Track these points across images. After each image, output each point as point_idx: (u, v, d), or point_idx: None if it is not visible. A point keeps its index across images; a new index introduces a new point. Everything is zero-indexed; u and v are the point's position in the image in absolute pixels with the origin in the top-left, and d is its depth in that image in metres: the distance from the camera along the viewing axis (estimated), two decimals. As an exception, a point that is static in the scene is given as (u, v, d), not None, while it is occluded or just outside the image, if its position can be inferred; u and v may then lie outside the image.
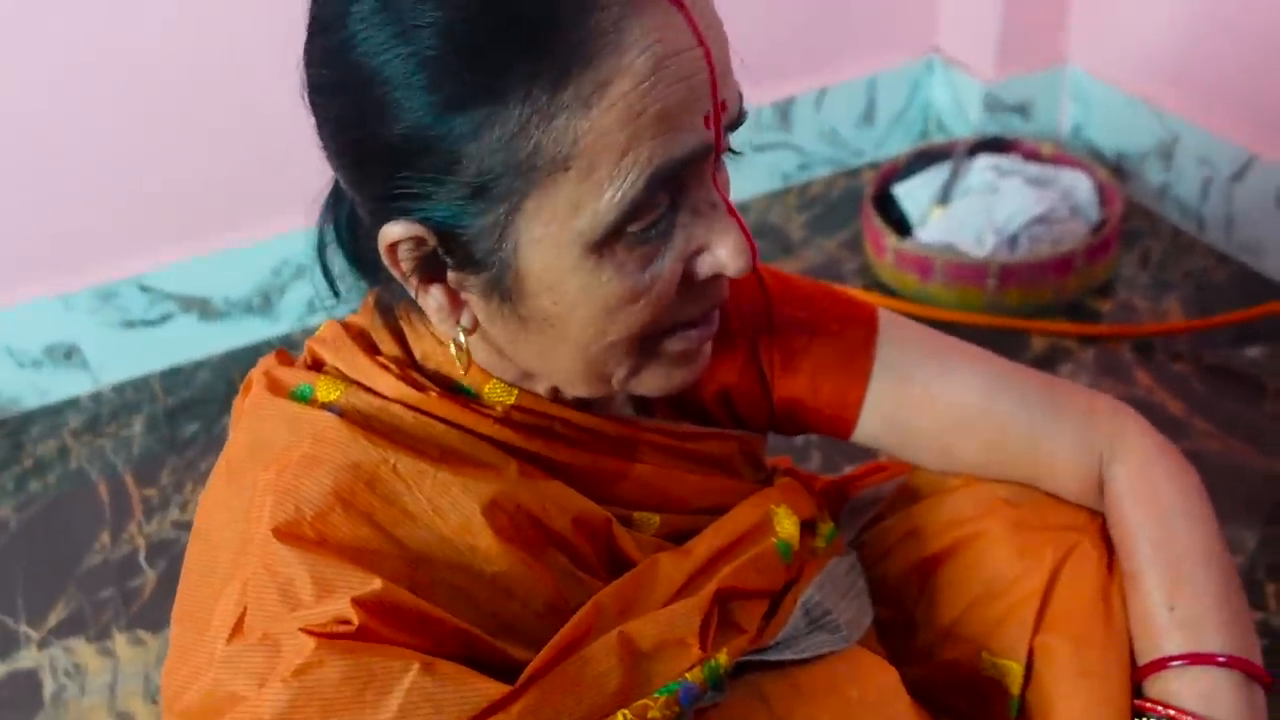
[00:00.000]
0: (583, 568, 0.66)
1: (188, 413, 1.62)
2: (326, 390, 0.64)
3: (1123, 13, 1.79)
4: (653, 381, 0.64)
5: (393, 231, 0.57)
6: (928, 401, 0.78)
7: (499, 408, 0.65)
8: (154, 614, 1.32)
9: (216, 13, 1.51)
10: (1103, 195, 1.71)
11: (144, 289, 1.64)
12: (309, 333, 1.72)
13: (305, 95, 0.60)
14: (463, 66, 0.52)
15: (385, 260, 0.59)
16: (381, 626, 0.56)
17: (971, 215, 1.66)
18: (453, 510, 0.60)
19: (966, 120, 1.94)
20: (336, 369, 0.66)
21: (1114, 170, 1.83)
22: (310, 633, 0.55)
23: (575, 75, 0.51)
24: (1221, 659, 0.70)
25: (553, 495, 0.65)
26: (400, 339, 0.67)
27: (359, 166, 0.58)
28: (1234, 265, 1.67)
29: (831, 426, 0.80)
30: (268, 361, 0.69)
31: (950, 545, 0.79)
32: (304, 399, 0.64)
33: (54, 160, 1.52)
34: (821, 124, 1.95)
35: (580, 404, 0.68)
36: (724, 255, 0.59)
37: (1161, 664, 0.72)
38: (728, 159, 0.61)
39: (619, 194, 0.54)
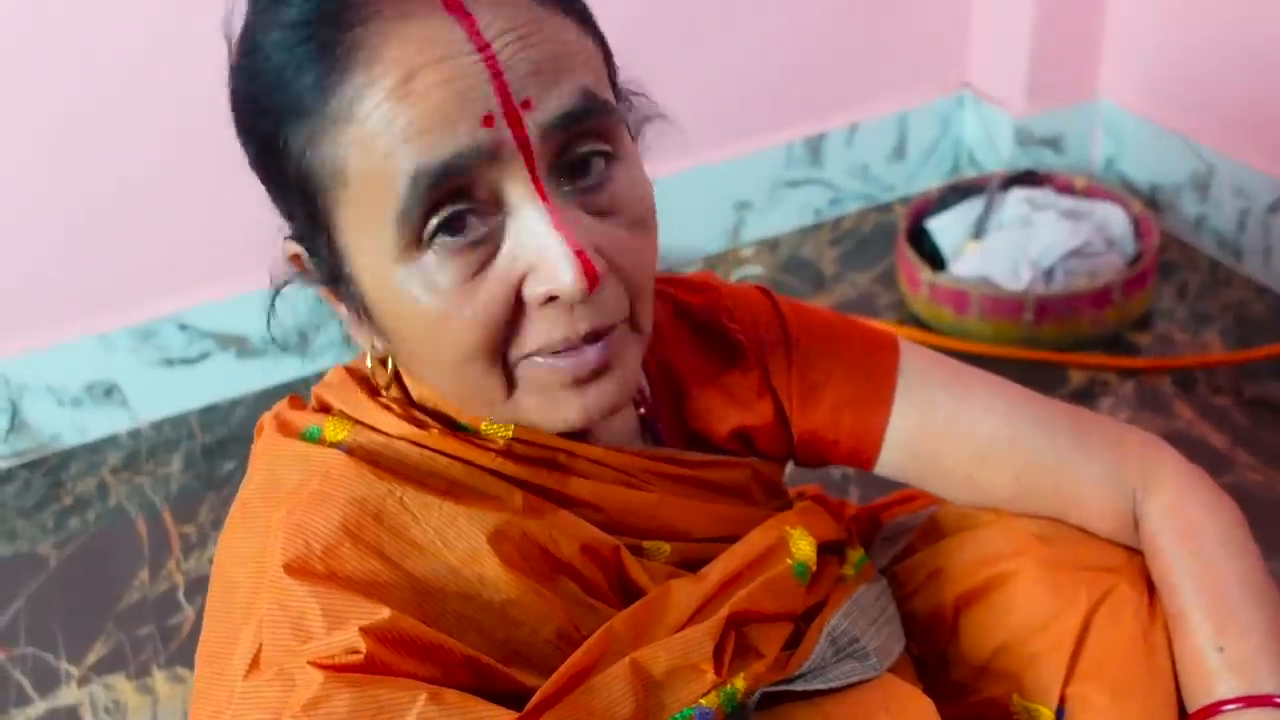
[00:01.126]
0: (594, 595, 0.65)
1: (225, 450, 1.63)
2: (334, 430, 0.65)
3: (1154, 45, 1.79)
4: (542, 412, 0.61)
5: (285, 247, 0.64)
6: (951, 431, 0.77)
7: (499, 440, 0.65)
8: (193, 651, 1.31)
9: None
10: (1138, 228, 1.70)
11: (183, 327, 1.66)
12: (344, 370, 1.73)
13: None
14: (265, 93, 0.57)
15: (295, 271, 0.64)
16: (390, 655, 0.56)
17: (1007, 249, 1.66)
18: (459, 540, 0.61)
19: (998, 154, 1.94)
20: (342, 411, 0.67)
21: (1148, 203, 1.83)
22: (319, 665, 0.55)
23: (335, 92, 0.55)
24: (1279, 700, 0.68)
25: (559, 524, 0.65)
26: (399, 381, 0.68)
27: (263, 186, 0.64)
28: (1273, 296, 1.65)
29: (853, 458, 0.79)
30: (279, 406, 0.70)
31: (982, 584, 0.77)
32: (313, 439, 0.66)
33: (94, 201, 1.55)
34: (853, 160, 1.95)
35: (581, 435, 0.67)
36: (544, 273, 0.55)
37: (1215, 709, 0.70)
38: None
39: (389, 204, 0.55)
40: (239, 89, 0.60)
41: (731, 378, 0.77)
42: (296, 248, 0.63)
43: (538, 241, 0.55)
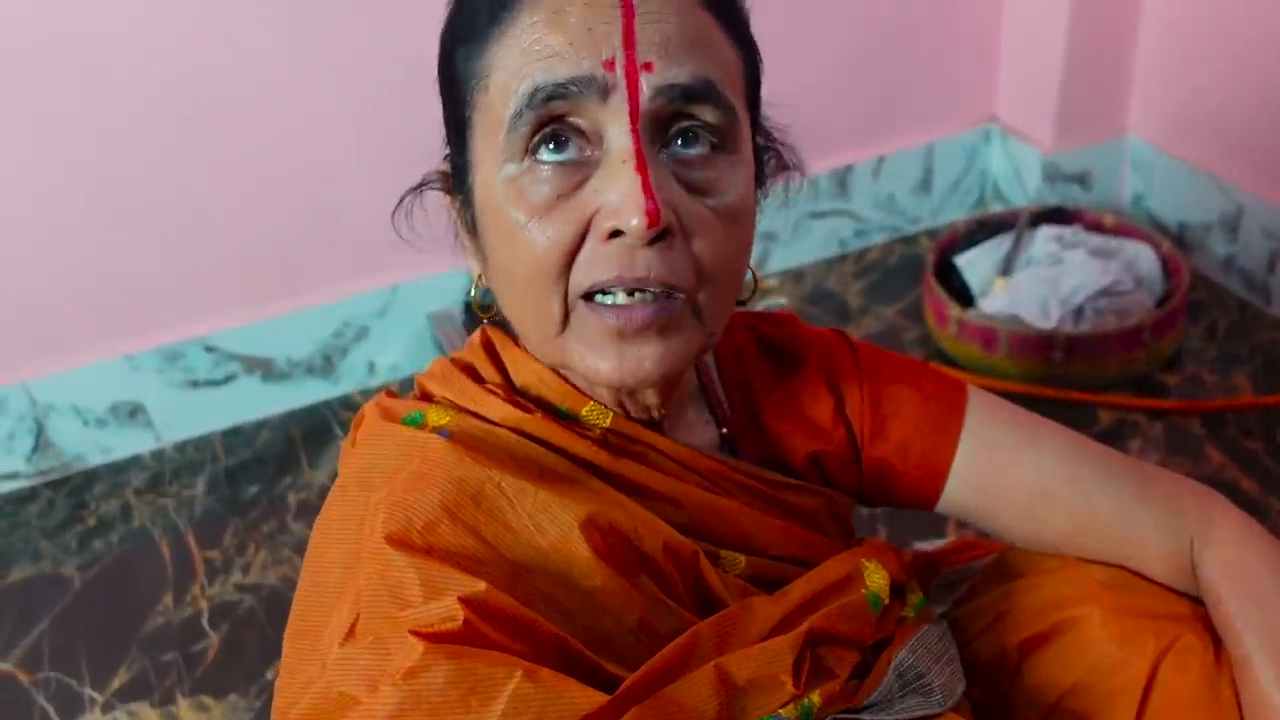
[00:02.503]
0: (671, 597, 0.67)
1: (248, 473, 1.63)
2: (437, 416, 0.69)
3: (1184, 84, 1.78)
4: (584, 358, 0.64)
5: (440, 166, 0.71)
6: (1015, 469, 0.79)
7: (596, 430, 0.70)
8: (217, 679, 1.32)
9: (284, 81, 1.54)
10: (1167, 267, 1.70)
11: (209, 349, 1.66)
12: (368, 394, 1.73)
13: None
14: (454, 24, 0.67)
15: (451, 213, 0.71)
16: (487, 627, 0.58)
17: (1036, 286, 1.65)
18: (552, 526, 0.63)
19: (1024, 189, 1.94)
20: (446, 399, 0.71)
21: (1176, 241, 1.82)
22: (419, 635, 0.57)
23: (500, 17, 0.63)
24: None
25: (643, 519, 0.67)
26: (502, 370, 0.72)
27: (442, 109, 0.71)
28: (1303, 340, 1.65)
29: (919, 490, 0.81)
30: (379, 396, 0.74)
31: (1048, 628, 0.79)
32: (415, 424, 0.69)
33: (124, 225, 1.55)
34: (879, 192, 1.95)
35: (665, 431, 0.73)
36: (613, 200, 0.60)
37: None
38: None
39: (509, 109, 0.62)
40: (443, 26, 0.69)
41: (808, 406, 0.80)
42: (447, 167, 0.72)
43: (617, 179, 0.60)
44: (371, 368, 1.76)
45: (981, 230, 1.81)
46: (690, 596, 0.69)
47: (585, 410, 0.70)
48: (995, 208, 2.00)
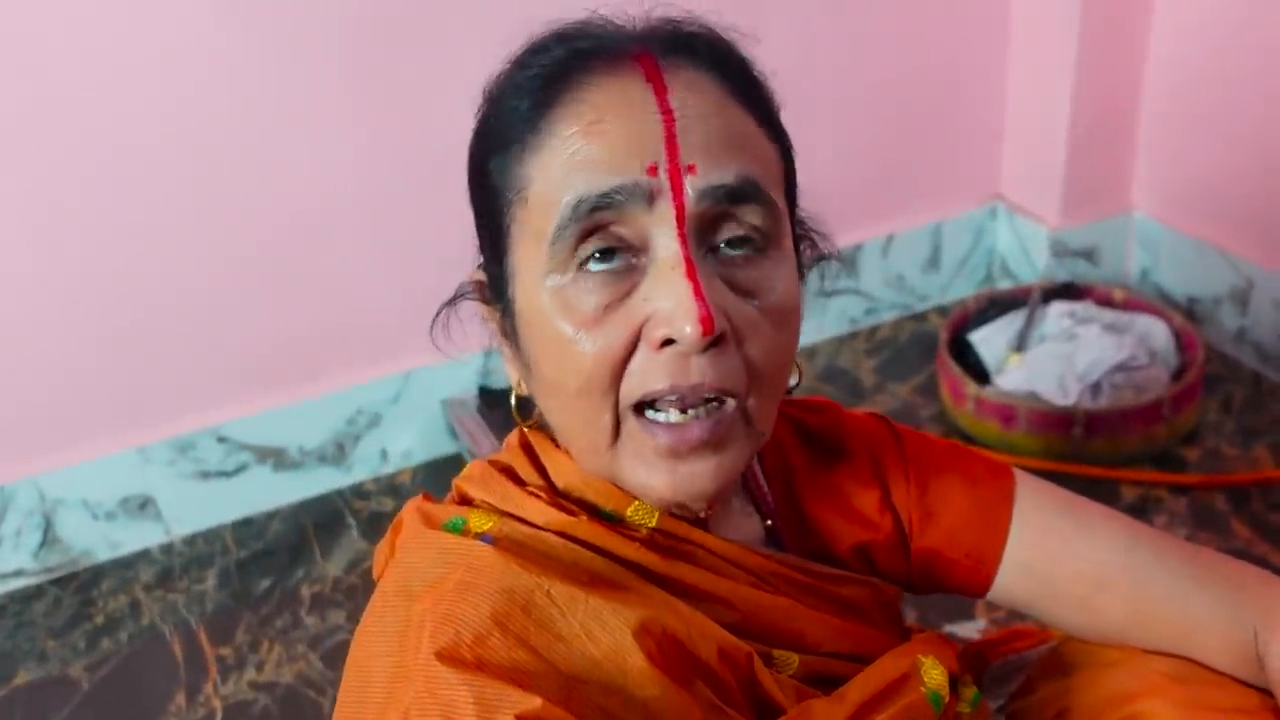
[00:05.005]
0: (728, 703, 0.65)
1: (259, 566, 1.60)
2: (479, 521, 0.67)
3: (1187, 159, 1.81)
4: (635, 473, 0.64)
5: (474, 274, 0.70)
6: (1068, 555, 0.77)
7: (642, 530, 0.68)
8: (233, 783, 1.28)
9: (296, 172, 1.55)
10: (1180, 341, 1.70)
11: (220, 440, 1.64)
12: (380, 482, 1.71)
13: None
14: (488, 130, 0.65)
15: (485, 320, 0.70)
16: None
17: (1051, 363, 1.65)
18: (605, 634, 0.61)
19: (1032, 265, 1.95)
20: (486, 502, 0.69)
21: (1186, 315, 1.83)
22: None
23: (538, 125, 0.62)
24: None
25: (696, 623, 0.65)
26: (543, 472, 0.70)
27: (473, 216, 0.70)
28: (1320, 411, 1.65)
29: (969, 578, 0.79)
30: (416, 500, 0.71)
31: None
32: (457, 530, 0.67)
33: (135, 317, 1.54)
34: (888, 270, 1.96)
35: (711, 528, 0.71)
36: (665, 316, 0.59)
37: None
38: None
39: (551, 221, 0.60)
40: (474, 134, 0.68)
41: (853, 496, 0.79)
42: (482, 275, 0.70)
43: (668, 287, 0.59)
44: (384, 455, 1.74)
45: (993, 307, 1.81)
46: (746, 701, 0.66)
47: (630, 510, 0.68)
48: (1003, 284, 2.01)
